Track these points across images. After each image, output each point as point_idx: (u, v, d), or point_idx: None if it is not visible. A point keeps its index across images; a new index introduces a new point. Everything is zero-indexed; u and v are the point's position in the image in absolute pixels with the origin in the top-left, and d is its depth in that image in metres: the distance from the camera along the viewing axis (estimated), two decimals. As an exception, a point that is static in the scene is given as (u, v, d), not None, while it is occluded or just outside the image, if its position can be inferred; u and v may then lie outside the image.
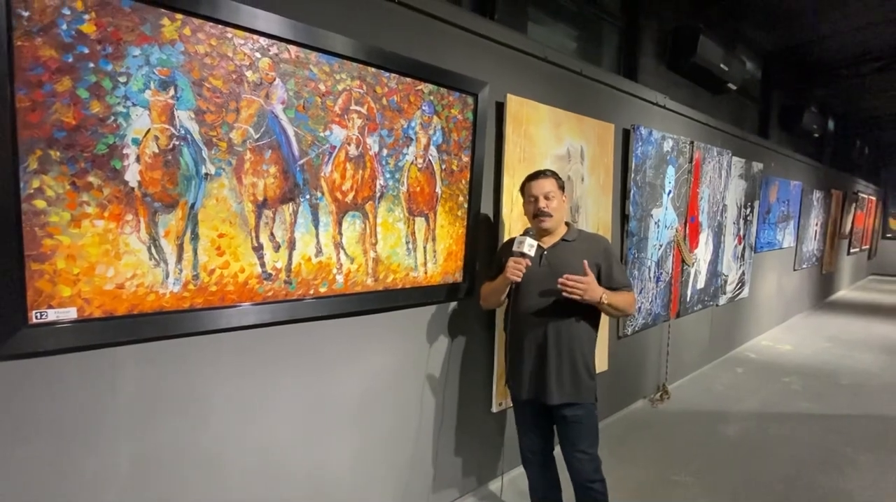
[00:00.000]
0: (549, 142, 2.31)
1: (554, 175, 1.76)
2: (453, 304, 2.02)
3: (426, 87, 1.75)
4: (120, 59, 1.14)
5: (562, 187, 1.76)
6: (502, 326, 1.93)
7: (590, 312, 1.73)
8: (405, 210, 1.76)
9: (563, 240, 1.74)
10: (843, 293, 8.59)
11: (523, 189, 1.80)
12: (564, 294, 1.58)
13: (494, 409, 2.21)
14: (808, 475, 2.48)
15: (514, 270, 1.61)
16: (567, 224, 1.80)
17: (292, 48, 1.40)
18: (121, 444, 1.25)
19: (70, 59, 1.08)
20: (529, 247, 1.62)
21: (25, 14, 1.02)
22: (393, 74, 1.64)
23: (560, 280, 1.57)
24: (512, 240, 1.78)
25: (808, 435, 2.94)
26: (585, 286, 1.56)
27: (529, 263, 1.63)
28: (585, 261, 1.61)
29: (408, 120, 1.71)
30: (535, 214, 1.72)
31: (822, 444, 2.83)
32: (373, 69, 1.58)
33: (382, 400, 1.82)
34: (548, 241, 1.74)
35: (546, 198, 1.70)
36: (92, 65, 1.10)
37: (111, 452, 1.24)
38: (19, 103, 1.03)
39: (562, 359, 1.68)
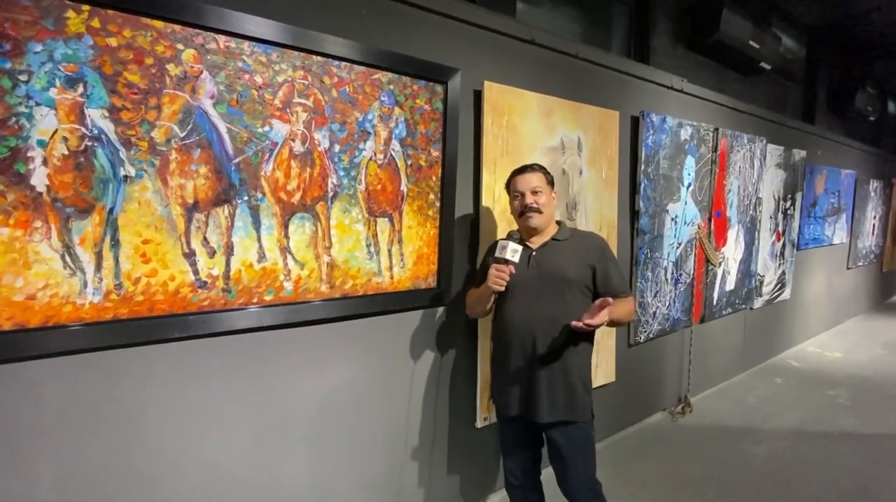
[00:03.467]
0: (538, 133, 2.11)
1: (542, 169, 1.61)
2: (428, 311, 1.87)
3: (384, 76, 1.60)
4: (20, 55, 1.07)
5: (551, 182, 1.62)
6: (489, 335, 1.76)
7: None
8: (364, 210, 1.62)
9: (553, 239, 1.58)
10: (909, 293, 7.74)
11: (508, 185, 1.66)
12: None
13: (479, 424, 2.04)
14: (849, 506, 2.16)
15: (496, 278, 1.47)
16: (558, 222, 1.64)
17: (221, 38, 1.30)
18: (42, 464, 1.18)
19: (-37, 58, 1.01)
20: (513, 252, 1.47)
21: None
22: (343, 63, 1.51)
23: (577, 325, 1.38)
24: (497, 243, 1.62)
25: (852, 459, 2.58)
26: (601, 321, 1.38)
27: (513, 270, 1.48)
28: (600, 301, 1.38)
29: (363, 112, 1.58)
30: (522, 211, 1.57)
31: (867, 469, 2.47)
32: (318, 58, 1.46)
33: (347, 417, 1.69)
34: (536, 241, 1.59)
35: (533, 192, 1.55)
36: (-12, 63, 1.04)
37: (31, 473, 1.17)
38: None
39: (554, 372, 1.52)
